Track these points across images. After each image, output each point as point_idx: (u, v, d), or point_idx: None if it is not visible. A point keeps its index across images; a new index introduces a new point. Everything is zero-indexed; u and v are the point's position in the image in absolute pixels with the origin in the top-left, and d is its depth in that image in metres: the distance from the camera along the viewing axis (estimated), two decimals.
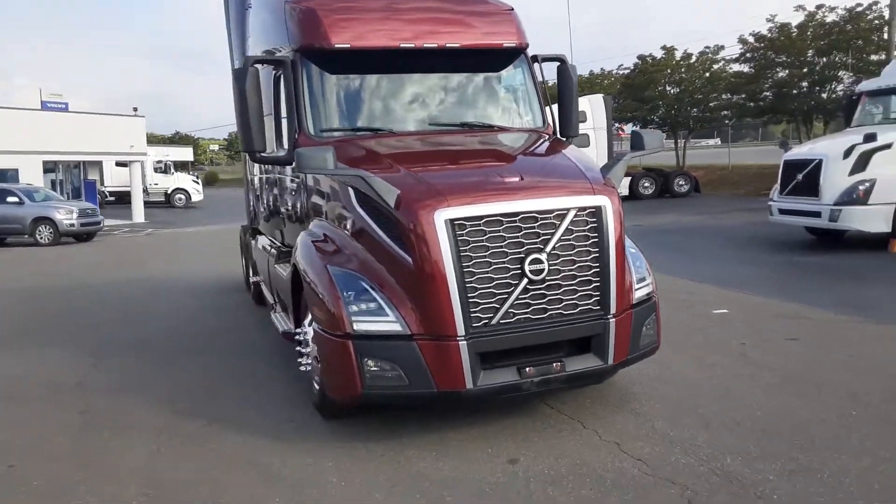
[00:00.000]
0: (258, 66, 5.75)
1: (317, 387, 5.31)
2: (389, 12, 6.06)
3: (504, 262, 4.50)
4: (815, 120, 29.94)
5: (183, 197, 42.98)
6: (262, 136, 5.71)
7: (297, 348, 5.46)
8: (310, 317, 5.25)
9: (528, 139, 6.01)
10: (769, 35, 28.68)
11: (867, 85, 14.45)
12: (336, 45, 5.74)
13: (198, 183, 45.46)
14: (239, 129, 5.82)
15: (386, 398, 4.65)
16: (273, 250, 7.43)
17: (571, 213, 4.64)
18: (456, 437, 4.83)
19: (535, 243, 4.56)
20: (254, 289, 9.84)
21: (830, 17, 27.46)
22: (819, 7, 27.58)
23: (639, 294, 5.07)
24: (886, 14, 25.06)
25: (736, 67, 32.06)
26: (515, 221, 4.53)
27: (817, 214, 12.38)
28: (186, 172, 48.16)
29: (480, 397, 4.60)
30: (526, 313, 4.56)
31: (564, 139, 6.37)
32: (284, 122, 6.00)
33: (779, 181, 13.45)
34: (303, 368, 5.34)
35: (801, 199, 12.71)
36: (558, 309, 4.62)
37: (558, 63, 6.58)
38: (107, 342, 8.12)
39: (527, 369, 4.55)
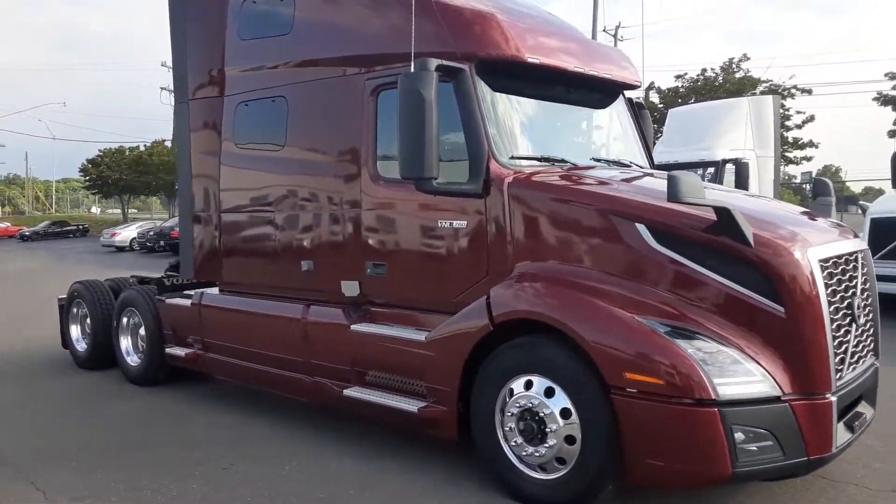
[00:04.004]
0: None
1: (536, 475, 4.24)
2: (553, 31, 5.34)
3: (843, 308, 4.17)
4: None
5: None
6: (437, 160, 4.47)
7: (512, 425, 4.30)
8: (539, 383, 4.20)
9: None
10: None
11: None
12: (529, 59, 4.83)
13: None
14: (404, 150, 4.43)
15: (754, 475, 3.88)
16: (325, 308, 5.66)
17: (860, 255, 4.52)
18: None
19: (853, 286, 4.33)
20: (150, 362, 7.40)
21: None
22: None
23: None
24: None
25: None
26: (841, 263, 4.26)
27: None
28: None
29: (831, 461, 4.11)
30: (853, 363, 4.27)
31: None
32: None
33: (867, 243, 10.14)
34: (541, 452, 4.19)
35: None
36: (865, 356, 4.43)
37: (640, 106, 6.47)
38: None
39: (856, 423, 4.22)
